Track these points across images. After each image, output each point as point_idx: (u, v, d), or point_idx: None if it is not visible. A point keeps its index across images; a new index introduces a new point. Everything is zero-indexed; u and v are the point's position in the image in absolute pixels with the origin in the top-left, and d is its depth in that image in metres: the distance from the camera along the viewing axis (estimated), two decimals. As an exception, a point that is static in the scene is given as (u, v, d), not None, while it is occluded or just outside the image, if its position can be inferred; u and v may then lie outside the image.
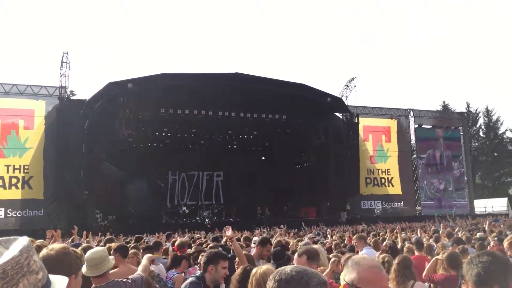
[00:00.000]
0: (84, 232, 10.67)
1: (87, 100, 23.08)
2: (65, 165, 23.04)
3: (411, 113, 35.19)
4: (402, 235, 10.00)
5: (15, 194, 23.76)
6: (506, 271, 2.17)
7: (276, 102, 25.38)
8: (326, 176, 28.62)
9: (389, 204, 32.57)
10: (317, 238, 10.30)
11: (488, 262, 2.16)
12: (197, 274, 4.00)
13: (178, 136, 29.89)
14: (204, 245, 7.92)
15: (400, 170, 33.45)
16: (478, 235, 9.55)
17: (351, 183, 28.68)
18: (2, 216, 23.29)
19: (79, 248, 4.49)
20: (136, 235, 10.78)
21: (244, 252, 5.28)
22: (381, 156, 33.14)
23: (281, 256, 4.99)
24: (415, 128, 35.19)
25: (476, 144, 52.69)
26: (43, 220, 23.10)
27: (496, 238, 7.13)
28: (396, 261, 4.40)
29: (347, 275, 1.88)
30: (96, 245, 8.33)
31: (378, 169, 32.91)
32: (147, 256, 4.15)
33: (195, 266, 6.17)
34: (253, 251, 6.15)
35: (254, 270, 3.09)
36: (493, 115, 53.24)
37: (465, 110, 48.81)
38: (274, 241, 7.25)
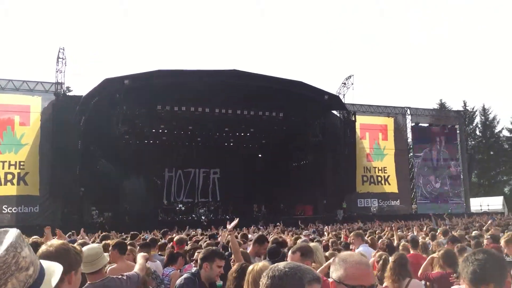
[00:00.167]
0: (82, 230, 10.68)
1: (83, 96, 23.02)
2: (61, 161, 22.98)
3: (408, 112, 35.25)
4: (399, 233, 10.02)
5: (11, 190, 23.69)
6: (501, 269, 2.19)
7: (273, 99, 25.36)
8: (322, 174, 28.68)
9: (386, 202, 32.66)
10: (312, 236, 10.30)
11: (483, 260, 2.17)
12: (193, 271, 4.00)
13: (175, 133, 29.86)
14: (200, 242, 7.91)
15: (397, 168, 33.53)
16: (473, 233, 9.58)
17: (348, 181, 28.75)
18: (-2, 212, 23.24)
19: (75, 244, 4.47)
20: (132, 232, 10.75)
21: (240, 249, 5.27)
22: (378, 154, 33.21)
23: (276, 254, 4.99)
24: (411, 127, 35.25)
25: (473, 142, 52.87)
26: (39, 216, 23.07)
27: (489, 237, 7.16)
28: (392, 259, 4.40)
29: (334, 272, 1.87)
30: (92, 242, 8.32)
31: (375, 167, 32.97)
32: (142, 255, 4.14)
33: (191, 263, 6.17)
34: (249, 249, 6.15)
35: (250, 267, 3.08)
36: (490, 113, 53.48)
37: (461, 109, 48.92)
38: (270, 238, 7.25)
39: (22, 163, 23.99)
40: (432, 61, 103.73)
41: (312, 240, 8.02)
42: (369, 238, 8.42)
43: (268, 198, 31.66)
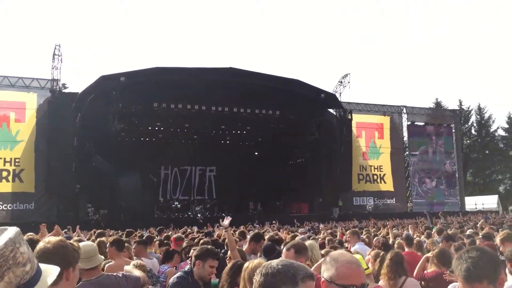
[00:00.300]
0: (77, 227, 10.66)
1: (79, 93, 22.96)
2: (57, 158, 22.91)
3: (404, 110, 35.34)
4: (394, 231, 10.06)
5: (6, 187, 23.60)
6: (495, 266, 2.21)
7: (270, 97, 25.35)
8: (318, 172, 28.71)
9: (381, 200, 32.76)
10: (308, 234, 10.32)
11: (477, 257, 2.19)
12: (186, 269, 4.00)
13: (171, 130, 29.79)
14: (196, 240, 7.92)
15: (393, 166, 33.63)
16: (468, 231, 9.63)
17: (344, 179, 28.81)
18: (-7, 209, 23.16)
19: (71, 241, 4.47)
20: (127, 229, 10.75)
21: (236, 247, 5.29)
22: (374, 152, 33.29)
23: (272, 251, 5.00)
24: (407, 125, 35.35)
25: (468, 141, 53.08)
26: (34, 214, 23.02)
27: (480, 236, 7.19)
28: (388, 256, 4.41)
29: (325, 272, 1.88)
30: (87, 239, 8.32)
31: (371, 166, 33.06)
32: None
33: (187, 260, 6.18)
34: (245, 247, 6.16)
35: (246, 264, 3.09)
36: (485, 113, 53.68)
37: (457, 108, 49.09)
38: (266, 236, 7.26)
39: (17, 160, 23.90)
40: (428, 60, 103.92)
41: (308, 238, 8.04)
42: (365, 236, 8.45)
43: (264, 196, 31.64)
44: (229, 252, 5.16)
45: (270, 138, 31.92)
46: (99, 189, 25.15)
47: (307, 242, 4.64)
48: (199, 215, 27.08)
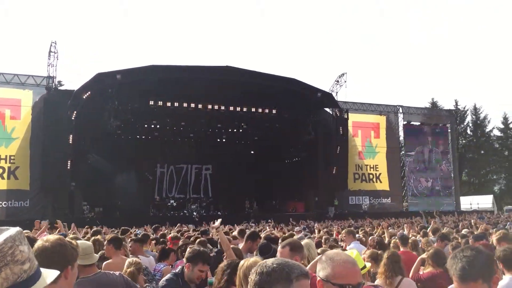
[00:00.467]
0: (72, 224, 10.60)
1: (75, 91, 22.85)
2: (52, 156, 22.81)
3: (400, 110, 35.43)
4: (390, 230, 10.09)
5: (1, 184, 23.49)
6: (489, 265, 2.22)
7: (266, 96, 25.37)
8: (314, 171, 28.75)
9: (377, 199, 32.84)
10: (303, 233, 10.34)
11: (472, 257, 2.20)
12: (177, 270, 3.98)
13: (167, 128, 29.75)
14: (191, 239, 7.91)
15: (388, 166, 33.71)
16: (463, 231, 9.68)
17: (340, 179, 28.84)
18: (-13, 207, 23.05)
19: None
20: (123, 227, 10.72)
21: (232, 246, 5.29)
22: (370, 152, 33.36)
23: (267, 250, 5.00)
24: (403, 125, 35.45)
25: (463, 141, 53.29)
26: (29, 211, 22.89)
27: (471, 237, 7.20)
28: (385, 256, 4.41)
29: (321, 271, 1.88)
30: (82, 237, 8.30)
31: (367, 165, 33.12)
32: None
33: (183, 259, 6.17)
34: (241, 245, 6.17)
35: (241, 263, 3.09)
36: (481, 113, 53.92)
37: (453, 108, 49.27)
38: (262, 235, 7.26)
39: (12, 157, 23.79)
40: (424, 60, 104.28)
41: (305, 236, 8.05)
42: (361, 234, 8.47)
43: (260, 194, 31.66)
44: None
45: (266, 137, 31.93)
46: (94, 187, 25.08)
47: (304, 241, 4.64)
48: (194, 213, 27.05)
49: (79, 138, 23.32)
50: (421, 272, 5.12)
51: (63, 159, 22.83)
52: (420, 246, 7.05)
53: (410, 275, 5.03)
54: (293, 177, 30.27)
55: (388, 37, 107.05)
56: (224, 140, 33.01)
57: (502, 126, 53.20)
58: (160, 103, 24.56)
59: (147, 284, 4.63)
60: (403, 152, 35.72)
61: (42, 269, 1.52)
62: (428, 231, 9.46)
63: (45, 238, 2.25)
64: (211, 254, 5.03)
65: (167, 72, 23.65)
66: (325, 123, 28.94)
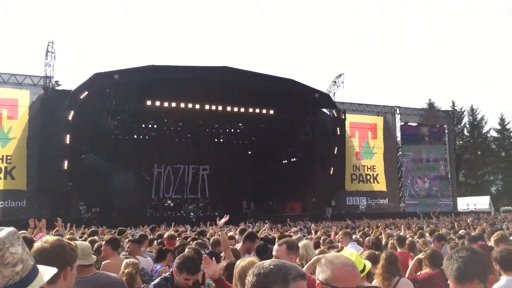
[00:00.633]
0: (68, 224, 10.58)
1: (72, 91, 22.79)
2: (49, 156, 22.75)
3: (397, 111, 35.50)
4: (388, 231, 10.10)
5: (-3, 184, 23.43)
6: (484, 265, 2.25)
7: (264, 96, 25.37)
8: (312, 172, 28.74)
9: (374, 200, 32.88)
10: (300, 233, 10.34)
11: (467, 257, 2.23)
12: (166, 274, 3.97)
13: (164, 128, 29.70)
14: (189, 239, 7.90)
15: (386, 167, 33.76)
16: (461, 232, 9.69)
17: (337, 179, 28.87)
18: (-16, 207, 22.97)
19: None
20: (119, 228, 10.70)
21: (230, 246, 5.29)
22: (367, 152, 33.41)
23: (264, 251, 5.00)
24: (401, 126, 35.50)
25: (461, 142, 53.44)
26: (26, 211, 22.79)
27: (466, 240, 7.20)
28: (383, 256, 4.41)
29: (320, 274, 1.88)
30: (80, 237, 8.28)
31: (364, 166, 33.17)
32: None
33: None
34: (238, 246, 6.16)
35: (237, 263, 3.10)
36: (478, 114, 54.11)
37: (450, 109, 49.41)
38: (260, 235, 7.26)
39: (9, 157, 23.72)
40: (422, 61, 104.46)
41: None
42: (358, 235, 8.47)
43: (257, 195, 31.63)
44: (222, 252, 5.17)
45: (263, 137, 31.93)
46: (91, 187, 25.02)
47: (302, 242, 4.64)
48: (192, 214, 27.01)
49: (76, 138, 23.25)
50: (418, 273, 5.12)
51: (60, 159, 22.74)
52: (417, 246, 7.05)
53: (407, 275, 5.02)
54: (291, 178, 30.26)
55: (385, 38, 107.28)
56: (221, 140, 32.98)
57: (499, 127, 53.40)
58: (158, 103, 24.53)
59: (144, 285, 4.63)
60: (400, 153, 35.77)
61: (40, 267, 1.52)
62: (425, 231, 9.47)
63: (44, 239, 2.25)
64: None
65: (165, 72, 23.62)
66: (323, 124, 28.96)
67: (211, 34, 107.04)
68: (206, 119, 27.75)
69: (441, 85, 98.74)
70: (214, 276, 3.63)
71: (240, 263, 3.04)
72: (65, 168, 22.78)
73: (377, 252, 4.91)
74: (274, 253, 3.57)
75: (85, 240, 6.80)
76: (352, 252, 3.26)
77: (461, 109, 54.24)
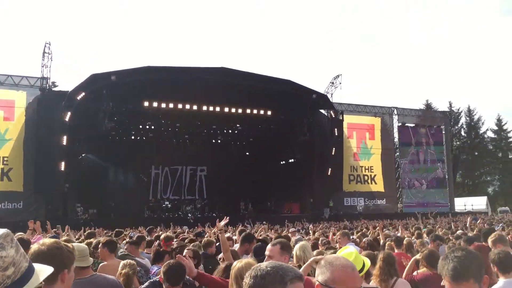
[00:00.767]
0: (67, 227, 10.57)
1: (69, 92, 22.75)
2: (46, 157, 22.68)
3: (395, 111, 35.58)
4: (386, 231, 10.10)
5: (-6, 186, 23.36)
6: (479, 265, 2.27)
7: (261, 97, 25.38)
8: (310, 173, 28.76)
9: (372, 201, 32.92)
10: (298, 235, 10.33)
11: (463, 257, 2.26)
12: (155, 279, 3.96)
13: (162, 130, 29.68)
14: (186, 240, 7.89)
15: (383, 167, 33.82)
16: (458, 232, 9.70)
17: (335, 180, 28.92)
18: (-20, 208, 22.89)
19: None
20: (116, 229, 10.68)
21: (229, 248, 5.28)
22: (365, 153, 33.46)
23: (262, 252, 4.99)
24: (398, 126, 35.57)
25: (458, 143, 53.57)
26: (22, 213, 22.74)
27: (462, 241, 7.22)
28: (380, 257, 4.40)
29: (320, 275, 1.88)
30: (77, 239, 8.27)
31: (362, 166, 33.21)
32: None
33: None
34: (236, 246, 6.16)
35: (234, 264, 3.10)
36: (475, 114, 54.28)
37: (447, 110, 49.55)
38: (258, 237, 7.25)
39: (5, 159, 23.65)
40: (419, 62, 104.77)
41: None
42: (356, 236, 8.47)
43: (255, 196, 31.63)
44: (221, 254, 5.16)
45: (261, 138, 31.95)
46: (88, 188, 24.97)
47: (300, 243, 4.64)
48: (189, 215, 26.98)
49: (73, 139, 23.20)
50: (415, 273, 5.11)
51: (56, 160, 22.69)
52: (414, 247, 7.05)
53: (404, 275, 5.02)
54: (288, 179, 30.28)
55: (382, 40, 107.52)
56: (219, 141, 32.99)
57: (496, 128, 53.59)
58: (155, 104, 24.50)
59: (141, 286, 4.62)
60: (397, 153, 35.84)
61: (36, 265, 1.50)
62: (422, 232, 9.48)
63: (42, 242, 2.23)
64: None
65: (162, 73, 23.59)
66: (320, 125, 29.02)
67: (208, 35, 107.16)
68: (203, 120, 27.74)
69: (438, 86, 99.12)
70: (191, 274, 3.60)
71: (236, 264, 3.04)
72: (62, 169, 22.72)
73: (375, 253, 4.90)
74: (267, 253, 3.60)
75: (82, 241, 6.79)
76: (351, 251, 3.25)
77: (458, 109, 54.47)
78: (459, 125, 54.44)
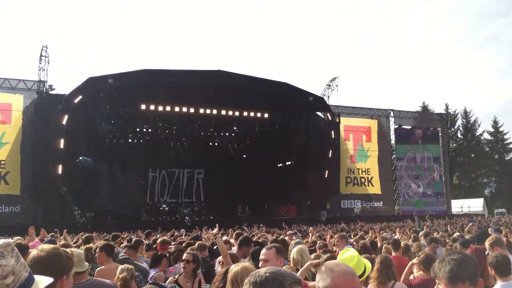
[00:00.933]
0: (64, 231, 10.56)
1: (66, 95, 22.71)
2: (43, 160, 22.64)
3: (391, 114, 35.62)
4: (383, 234, 10.11)
5: (-9, 189, 23.25)
6: (475, 268, 2.30)
7: (258, 100, 25.40)
8: (306, 175, 28.78)
9: (369, 203, 32.92)
10: (295, 237, 10.32)
11: (459, 260, 2.29)
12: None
13: (159, 132, 29.63)
14: (183, 244, 7.89)
15: (380, 170, 33.83)
16: (455, 235, 9.73)
17: (332, 182, 28.90)
18: (-23, 212, 22.78)
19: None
20: (113, 233, 10.67)
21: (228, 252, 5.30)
22: (362, 156, 33.48)
23: (259, 255, 5.00)
24: (395, 129, 35.62)
25: (454, 145, 53.63)
26: (20, 216, 22.68)
27: (458, 244, 7.24)
28: (378, 260, 4.41)
29: (320, 282, 1.89)
30: (74, 243, 8.26)
31: (358, 169, 33.23)
32: None
33: (175, 265, 6.16)
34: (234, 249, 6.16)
35: (231, 267, 3.11)
36: (471, 116, 54.34)
37: (444, 112, 49.66)
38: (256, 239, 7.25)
39: (3, 162, 23.57)
40: (415, 64, 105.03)
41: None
42: (353, 239, 8.47)
43: (252, 199, 31.60)
44: (220, 257, 5.16)
45: (258, 141, 31.93)
46: (85, 191, 24.91)
47: (298, 247, 4.65)
48: (187, 218, 26.93)
49: (70, 142, 23.15)
50: (411, 276, 5.12)
51: (54, 163, 22.60)
52: (411, 250, 7.05)
53: (402, 279, 5.02)
54: (285, 181, 30.29)
55: (379, 42, 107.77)
56: (216, 144, 32.95)
57: (492, 130, 53.65)
58: (152, 107, 24.46)
59: None
60: (394, 155, 35.87)
61: (36, 277, 1.51)
62: (419, 235, 9.49)
63: (40, 248, 2.24)
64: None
65: (159, 76, 23.59)
66: (317, 127, 29.04)
67: (205, 37, 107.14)
68: (200, 123, 27.73)
69: (435, 88, 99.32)
70: None
71: (233, 268, 3.04)
72: (59, 172, 22.64)
73: (373, 256, 4.91)
74: (262, 257, 3.63)
75: (79, 246, 6.78)
76: (353, 254, 3.26)
77: (455, 111, 54.52)
78: (455, 127, 54.53)
